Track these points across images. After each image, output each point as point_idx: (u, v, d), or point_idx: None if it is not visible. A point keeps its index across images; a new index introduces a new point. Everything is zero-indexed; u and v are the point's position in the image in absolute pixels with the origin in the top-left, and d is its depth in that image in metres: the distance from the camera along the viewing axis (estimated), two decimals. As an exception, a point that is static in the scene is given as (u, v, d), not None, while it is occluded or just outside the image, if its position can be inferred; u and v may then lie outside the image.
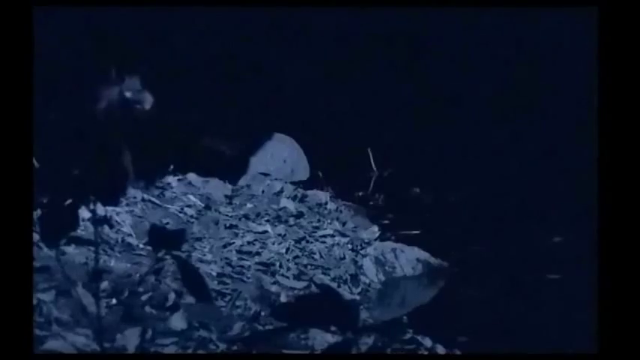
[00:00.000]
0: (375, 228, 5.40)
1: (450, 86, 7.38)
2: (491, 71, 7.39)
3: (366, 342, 3.76)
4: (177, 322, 3.64)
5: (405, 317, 4.52)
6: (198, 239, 4.79)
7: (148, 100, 5.25)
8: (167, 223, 4.94)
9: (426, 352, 4.03)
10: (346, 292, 4.70)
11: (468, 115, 7.27)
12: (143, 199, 5.12)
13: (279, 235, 5.03)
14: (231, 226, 5.03)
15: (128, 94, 5.19)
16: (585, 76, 5.06)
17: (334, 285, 4.71)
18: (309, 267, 4.83)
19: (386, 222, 5.76)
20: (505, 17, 7.23)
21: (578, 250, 3.60)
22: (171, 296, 3.92)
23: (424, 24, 7.27)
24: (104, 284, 3.86)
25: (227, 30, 6.73)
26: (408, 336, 4.11)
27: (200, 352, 3.47)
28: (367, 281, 4.90)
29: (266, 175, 5.95)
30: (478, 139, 7.10)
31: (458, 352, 4.09)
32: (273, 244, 4.92)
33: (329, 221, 5.40)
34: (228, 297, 4.26)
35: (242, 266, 4.64)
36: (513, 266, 5.14)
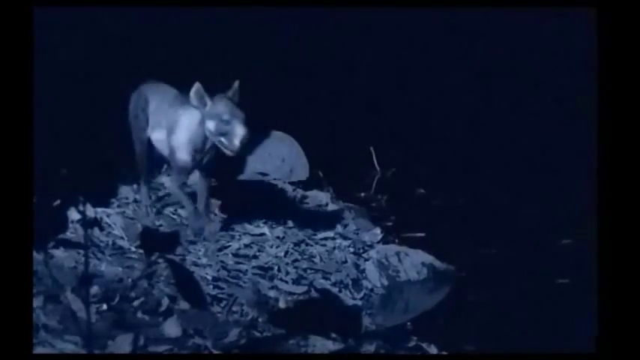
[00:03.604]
0: (378, 230, 5.39)
1: (452, 86, 7.43)
2: (492, 72, 7.46)
3: (369, 349, 3.76)
4: (171, 328, 3.64)
5: (409, 323, 4.52)
6: (193, 242, 4.79)
7: (237, 133, 4.56)
8: (160, 225, 4.94)
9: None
10: (348, 298, 4.70)
11: (472, 115, 7.31)
12: (135, 200, 5.12)
13: (278, 237, 5.03)
14: (227, 229, 5.02)
15: (211, 125, 4.63)
16: (585, 77, 5.11)
17: (335, 290, 4.71)
18: (308, 271, 4.82)
19: (389, 224, 5.76)
20: (505, 18, 7.31)
21: (588, 253, 3.61)
22: (165, 301, 3.93)
23: (425, 24, 7.33)
24: (94, 289, 3.86)
25: (226, 29, 6.75)
26: (412, 343, 4.11)
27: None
28: (370, 286, 4.89)
29: (264, 174, 5.94)
30: (483, 138, 7.12)
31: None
32: (271, 247, 4.92)
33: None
34: (224, 302, 4.26)
35: (239, 270, 4.64)
36: (521, 270, 5.14)
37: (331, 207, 5.63)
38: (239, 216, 5.12)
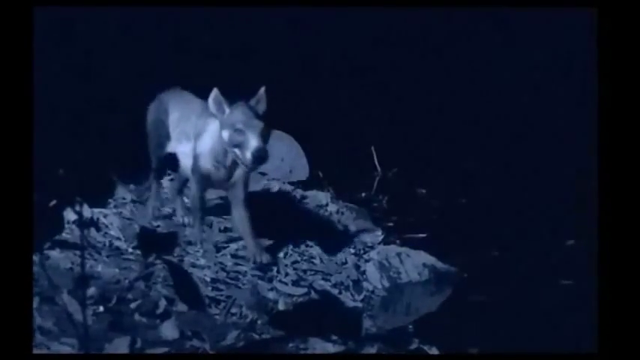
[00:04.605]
0: (379, 231, 5.39)
1: (452, 86, 7.46)
2: (492, 72, 7.49)
3: (369, 352, 3.76)
4: (169, 330, 3.64)
5: (410, 326, 4.52)
6: (191, 243, 4.79)
7: (250, 146, 4.31)
8: (158, 226, 4.93)
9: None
10: (348, 299, 4.70)
11: (473, 115, 7.33)
12: (132, 201, 5.11)
13: (277, 238, 5.03)
14: (225, 229, 5.02)
15: (225, 134, 4.41)
16: (585, 77, 5.13)
17: (335, 292, 4.70)
18: (308, 272, 4.82)
19: (390, 225, 5.76)
20: (505, 18, 7.35)
21: (592, 254, 3.62)
22: (162, 303, 3.92)
23: (425, 24, 7.36)
24: (91, 291, 3.86)
25: (226, 28, 6.76)
26: (414, 346, 4.10)
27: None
28: (370, 287, 4.89)
29: (263, 174, 5.94)
30: (484, 138, 7.13)
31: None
32: (270, 247, 4.91)
33: (330, 224, 5.40)
34: (223, 304, 4.26)
35: (237, 271, 4.63)
36: (524, 271, 5.14)
37: (331, 207, 5.62)
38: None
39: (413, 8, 7.03)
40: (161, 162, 4.85)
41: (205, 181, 4.59)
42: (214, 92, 4.42)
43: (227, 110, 4.41)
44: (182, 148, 4.71)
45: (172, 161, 4.81)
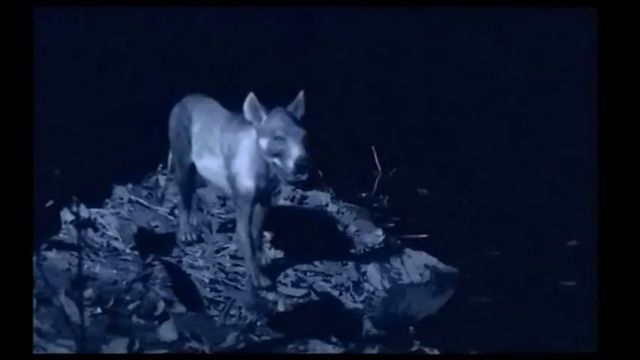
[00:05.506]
0: (380, 231, 5.37)
1: (452, 86, 7.47)
2: (493, 72, 7.50)
3: (370, 353, 3.75)
4: (167, 332, 3.63)
5: (411, 327, 4.51)
6: (190, 244, 4.78)
7: (292, 154, 4.02)
8: (156, 227, 4.92)
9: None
10: (348, 301, 4.69)
11: (473, 115, 7.34)
12: (130, 201, 5.10)
13: (277, 239, 5.02)
14: (225, 230, 5.01)
15: (263, 143, 4.15)
16: (585, 77, 5.14)
17: (335, 293, 4.69)
18: (308, 273, 4.81)
19: (391, 225, 5.75)
20: (505, 18, 7.37)
21: (594, 255, 3.62)
22: (161, 305, 3.91)
23: (426, 24, 7.38)
24: (88, 292, 3.85)
25: (226, 27, 6.76)
26: (414, 348, 4.09)
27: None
28: (371, 289, 4.88)
29: (262, 174, 5.92)
30: (485, 138, 7.13)
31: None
32: (270, 248, 4.90)
33: (330, 224, 5.39)
34: (222, 305, 4.25)
35: (236, 272, 4.62)
36: (526, 272, 5.14)
37: (332, 207, 5.61)
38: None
39: (413, 8, 7.05)
40: (185, 173, 4.62)
41: (247, 202, 4.32)
42: (250, 97, 4.17)
43: (264, 117, 4.16)
44: (204, 164, 4.51)
45: (195, 172, 4.63)
